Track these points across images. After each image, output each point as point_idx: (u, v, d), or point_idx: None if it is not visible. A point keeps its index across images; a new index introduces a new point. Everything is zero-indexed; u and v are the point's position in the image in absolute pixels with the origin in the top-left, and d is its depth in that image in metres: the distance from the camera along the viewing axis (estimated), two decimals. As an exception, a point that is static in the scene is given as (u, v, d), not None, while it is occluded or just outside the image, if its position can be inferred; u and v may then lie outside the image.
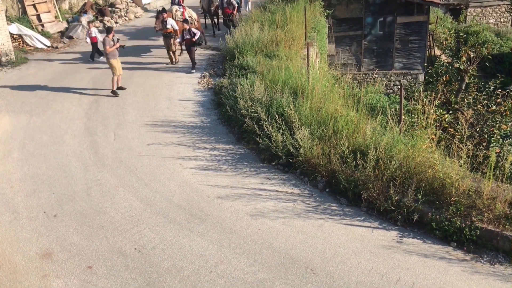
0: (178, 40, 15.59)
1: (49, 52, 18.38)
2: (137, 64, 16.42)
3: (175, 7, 17.16)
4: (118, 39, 13.92)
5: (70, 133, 11.47)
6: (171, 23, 15.47)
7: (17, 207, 8.62)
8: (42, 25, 20.11)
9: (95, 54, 17.04)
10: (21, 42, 18.47)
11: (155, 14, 16.87)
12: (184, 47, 15.98)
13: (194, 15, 17.54)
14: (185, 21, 15.45)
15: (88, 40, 16.90)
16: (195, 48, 15.38)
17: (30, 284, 6.74)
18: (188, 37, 14.95)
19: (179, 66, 15.75)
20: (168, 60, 16.26)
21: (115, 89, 13.62)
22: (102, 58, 16.41)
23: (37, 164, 10.11)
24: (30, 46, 18.53)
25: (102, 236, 7.73)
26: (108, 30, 13.69)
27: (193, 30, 15.01)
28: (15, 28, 18.21)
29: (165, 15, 15.37)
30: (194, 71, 15.16)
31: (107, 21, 21.53)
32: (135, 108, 12.73)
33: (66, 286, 6.70)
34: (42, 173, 9.73)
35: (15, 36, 18.23)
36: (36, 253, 7.39)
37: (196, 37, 14.94)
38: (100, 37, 16.58)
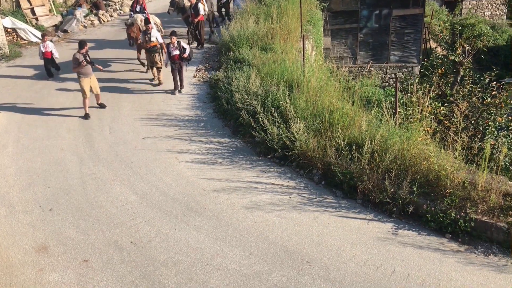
0: (164, 58, 13.06)
1: (43, 45, 18.23)
2: (133, 56, 16.33)
3: (139, 15, 14.54)
4: (85, 55, 11.70)
5: (65, 127, 11.43)
6: (156, 36, 13.23)
7: (13, 201, 8.61)
8: (36, 19, 19.98)
9: (50, 69, 14.65)
10: (15, 36, 18.33)
11: (153, 7, 16.58)
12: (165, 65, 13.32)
13: (159, 22, 15.47)
14: (173, 33, 12.70)
15: (40, 55, 14.43)
16: (185, 65, 13.10)
17: (26, 278, 6.75)
18: (176, 53, 12.59)
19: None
20: (151, 76, 14.10)
21: (86, 111, 11.90)
22: (57, 72, 14.87)
23: (32, 158, 10.08)
24: (24, 40, 18.39)
25: (98, 230, 7.74)
26: (80, 45, 11.65)
27: (183, 44, 12.69)
28: (9, 21, 18.06)
29: (150, 26, 13.18)
30: (183, 90, 13.17)
31: (102, 15, 21.41)
32: (130, 102, 12.69)
33: (62, 279, 6.71)
34: (37, 167, 9.71)
35: (9, 29, 18.09)
36: (32, 247, 7.39)
37: (187, 52, 12.66)
38: (56, 52, 14.55)
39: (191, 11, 15.78)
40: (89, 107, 12.03)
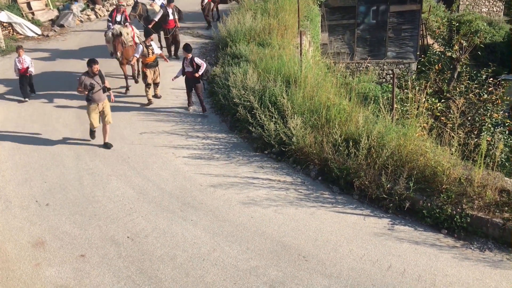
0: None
1: (39, 40, 18.18)
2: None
3: (121, 27, 12.68)
4: (92, 85, 9.55)
5: (62, 122, 11.40)
6: (155, 48, 11.98)
7: (9, 196, 8.59)
8: (33, 13, 19.86)
9: (27, 89, 12.70)
10: (11, 30, 18.23)
11: (151, 1, 15.58)
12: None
13: (138, 33, 13.57)
14: (187, 48, 11.16)
15: (17, 72, 12.40)
16: (200, 83, 11.45)
17: (22, 273, 6.74)
18: (188, 69, 11.22)
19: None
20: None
21: (92, 136, 10.34)
22: (33, 95, 12.81)
23: (28, 153, 10.05)
24: (21, 34, 18.30)
25: (94, 225, 7.73)
26: (88, 64, 9.62)
27: (197, 60, 11.15)
28: (5, 16, 17.97)
29: (151, 37, 11.94)
30: (206, 113, 11.58)
31: (98, 9, 21.32)
32: (127, 96, 12.65)
33: (58, 274, 6.71)
34: (33, 162, 9.68)
35: (4, 24, 18.00)
36: (28, 241, 7.38)
37: (201, 71, 11.13)
38: (32, 67, 12.59)
39: (168, 17, 14.28)
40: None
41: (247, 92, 10.76)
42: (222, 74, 12.49)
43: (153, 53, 11.83)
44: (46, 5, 20.68)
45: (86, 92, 9.58)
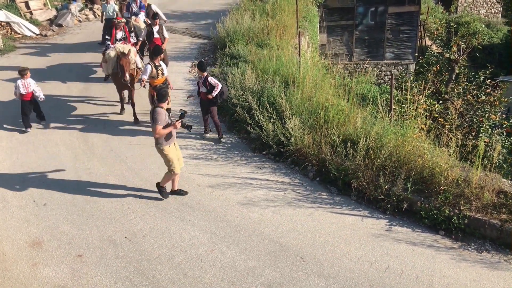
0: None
1: (38, 40, 18.13)
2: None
3: (124, 46, 11.08)
4: (183, 112, 7.84)
5: (60, 122, 11.35)
6: (165, 69, 10.51)
7: (6, 195, 8.57)
8: (31, 13, 19.82)
9: (29, 118, 10.96)
10: (9, 30, 18.17)
11: (134, 17, 13.61)
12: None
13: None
14: (200, 65, 9.91)
15: (18, 96, 10.76)
16: (215, 106, 10.17)
17: (19, 273, 6.73)
18: (203, 90, 9.95)
19: (169, 54, 15.55)
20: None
21: (172, 189, 8.40)
22: (44, 123, 11.12)
23: (26, 152, 10.03)
24: (19, 33, 18.26)
25: (92, 225, 7.72)
26: (161, 97, 7.66)
27: (211, 80, 9.82)
28: (3, 15, 17.91)
29: (161, 56, 10.38)
30: (223, 139, 10.33)
31: (97, 9, 21.27)
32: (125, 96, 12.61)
33: (56, 274, 6.70)
34: (31, 162, 9.66)
35: (2, 23, 17.94)
36: (25, 241, 7.36)
37: (215, 92, 9.77)
38: (39, 91, 10.81)
39: (153, 36, 12.61)
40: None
41: (245, 92, 10.76)
42: (221, 75, 12.50)
43: (163, 74, 10.33)
44: (44, 4, 20.63)
45: (177, 128, 7.75)
